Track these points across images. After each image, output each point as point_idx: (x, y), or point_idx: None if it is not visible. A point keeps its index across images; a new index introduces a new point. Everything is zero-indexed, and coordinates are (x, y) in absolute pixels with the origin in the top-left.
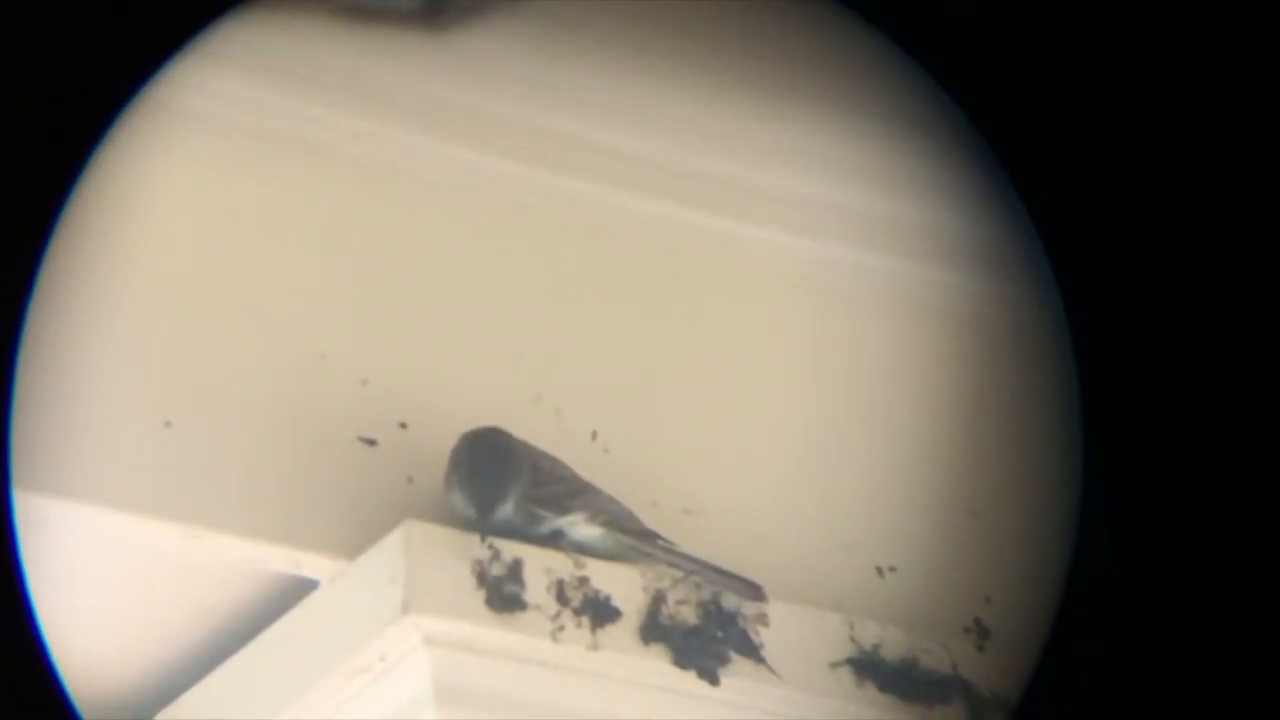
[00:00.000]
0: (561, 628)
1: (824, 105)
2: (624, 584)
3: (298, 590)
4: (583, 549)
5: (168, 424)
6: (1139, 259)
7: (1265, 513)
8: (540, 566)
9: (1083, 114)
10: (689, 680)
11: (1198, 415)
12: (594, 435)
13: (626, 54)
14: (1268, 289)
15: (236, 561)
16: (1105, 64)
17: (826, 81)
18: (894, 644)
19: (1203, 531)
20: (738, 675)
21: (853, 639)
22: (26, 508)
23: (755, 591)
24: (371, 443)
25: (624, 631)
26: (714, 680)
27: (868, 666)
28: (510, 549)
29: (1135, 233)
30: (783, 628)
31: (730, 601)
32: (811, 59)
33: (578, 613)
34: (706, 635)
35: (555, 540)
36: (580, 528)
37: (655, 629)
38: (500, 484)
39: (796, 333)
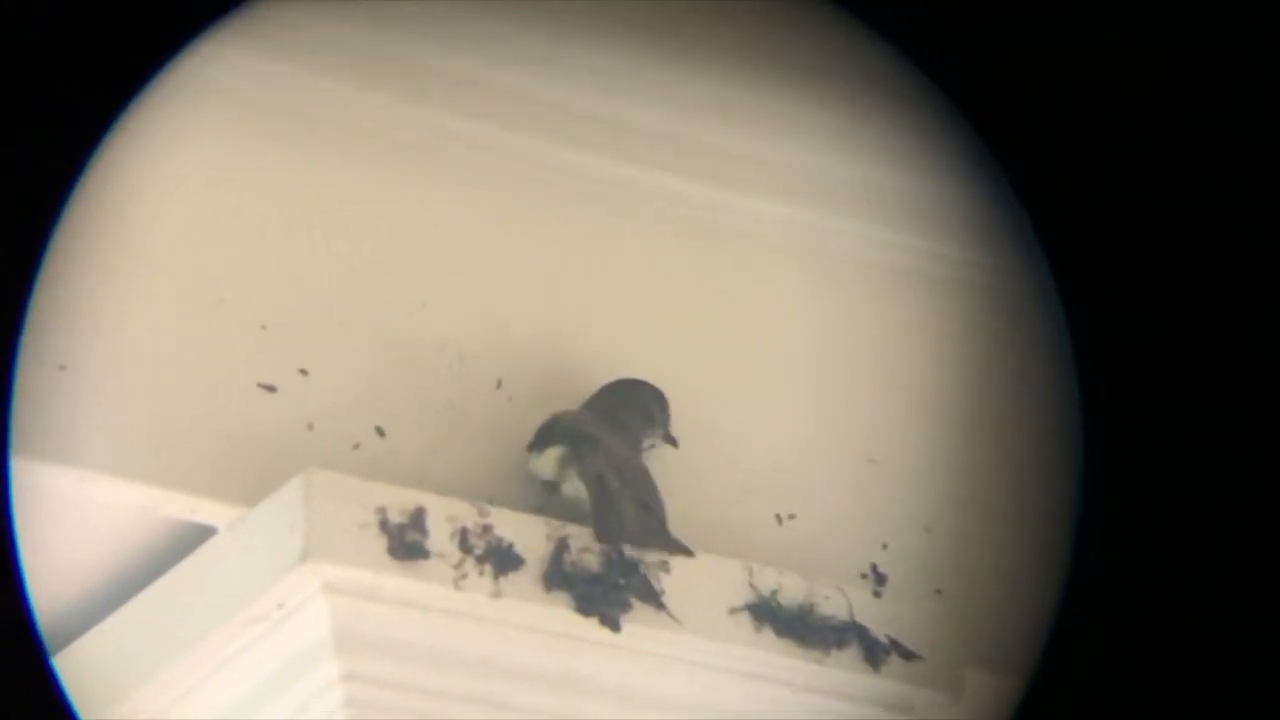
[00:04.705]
0: (464, 576)
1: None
2: (527, 532)
3: (197, 537)
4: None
5: (62, 367)
6: (1126, 236)
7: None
8: (443, 514)
9: (1067, 90)
10: (591, 627)
11: (1187, 394)
12: (499, 383)
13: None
14: (1253, 256)
15: (133, 507)
16: (1088, 44)
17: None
18: (792, 590)
19: (1193, 521)
20: (639, 622)
21: (752, 585)
22: None
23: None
24: (271, 389)
25: (526, 579)
26: (615, 627)
27: (766, 612)
28: (413, 497)
29: (1123, 209)
30: (683, 575)
31: (632, 548)
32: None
33: (480, 561)
34: (609, 582)
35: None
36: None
37: (558, 576)
38: None
39: (703, 284)
